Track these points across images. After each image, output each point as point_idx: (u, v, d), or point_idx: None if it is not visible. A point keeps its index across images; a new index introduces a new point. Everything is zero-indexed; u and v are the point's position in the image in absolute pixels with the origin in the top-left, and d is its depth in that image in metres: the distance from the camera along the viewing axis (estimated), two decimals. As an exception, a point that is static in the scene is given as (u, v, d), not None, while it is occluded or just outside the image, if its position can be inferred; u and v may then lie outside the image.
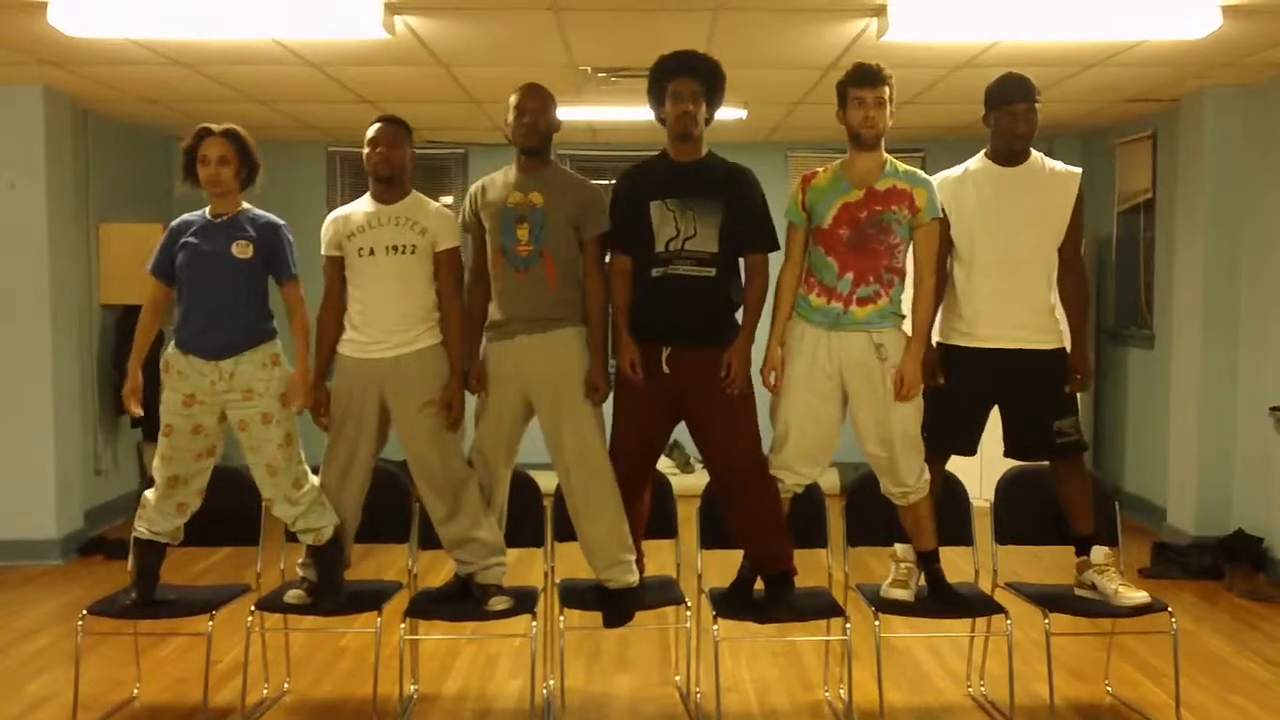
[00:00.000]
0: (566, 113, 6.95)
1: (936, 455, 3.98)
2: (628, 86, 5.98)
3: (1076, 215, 3.93)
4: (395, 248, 3.91)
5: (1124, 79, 6.16)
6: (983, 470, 4.38)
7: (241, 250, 3.91)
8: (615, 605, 3.96)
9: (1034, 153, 3.94)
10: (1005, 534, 4.20)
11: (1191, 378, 6.58)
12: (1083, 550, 4.02)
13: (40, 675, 4.57)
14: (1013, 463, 4.29)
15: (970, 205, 3.89)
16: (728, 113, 6.98)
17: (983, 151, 3.99)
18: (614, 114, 6.84)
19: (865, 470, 4.19)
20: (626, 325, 3.88)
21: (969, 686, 4.37)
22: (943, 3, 4.62)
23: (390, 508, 4.17)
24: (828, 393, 3.83)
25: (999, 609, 3.92)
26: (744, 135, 7.66)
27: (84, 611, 3.92)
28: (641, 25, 4.88)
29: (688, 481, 4.15)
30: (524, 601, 4.00)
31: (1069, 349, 3.98)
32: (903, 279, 3.86)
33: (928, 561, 3.99)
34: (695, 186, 3.82)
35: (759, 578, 3.98)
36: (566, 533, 4.09)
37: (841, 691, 4.20)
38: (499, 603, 3.94)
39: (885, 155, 3.84)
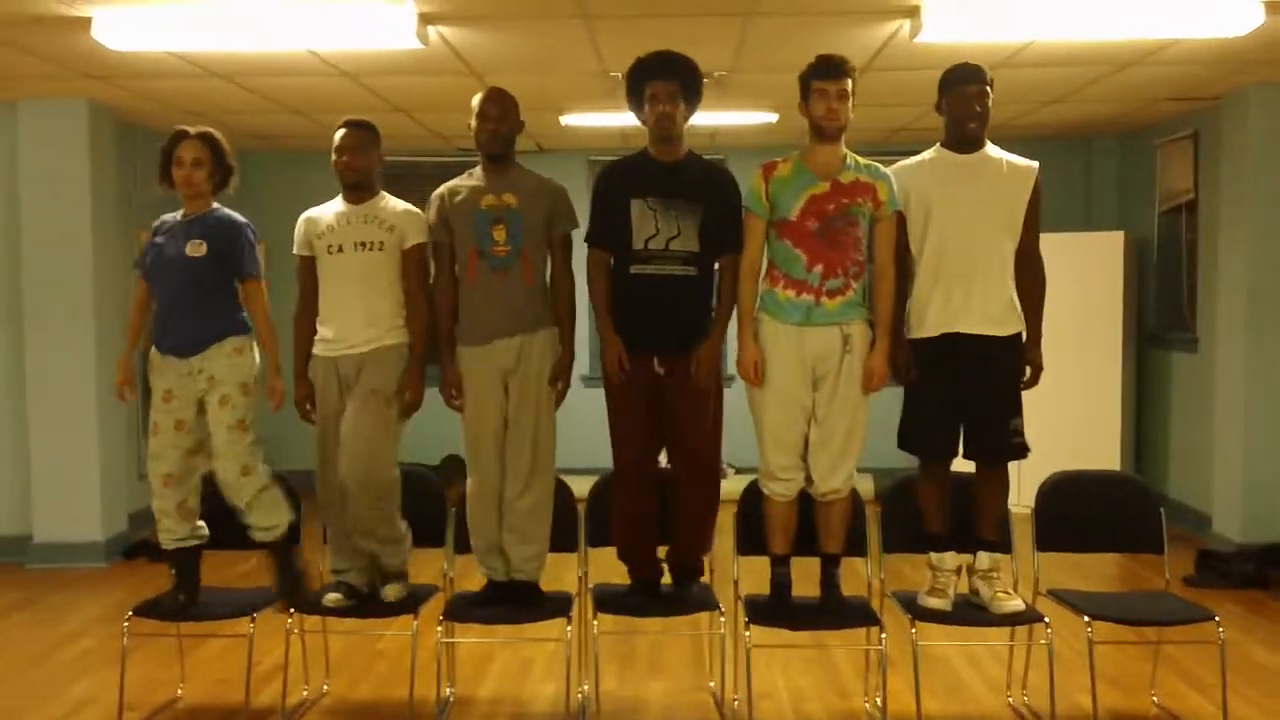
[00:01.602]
0: (597, 119, 7.04)
1: (924, 459, 3.96)
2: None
3: (1034, 207, 3.89)
4: (363, 244, 3.98)
5: (1164, 77, 6.08)
6: (1021, 476, 4.33)
7: (195, 249, 3.98)
8: (517, 594, 4.03)
9: (989, 143, 3.91)
10: (1047, 541, 4.15)
11: (1236, 381, 6.49)
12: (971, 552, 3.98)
13: (85, 676, 4.64)
14: (1056, 468, 4.26)
15: (927, 193, 3.85)
16: (758, 116, 6.98)
17: (938, 143, 3.96)
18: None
19: (900, 477, 4.17)
20: (609, 322, 3.92)
21: (1008, 696, 4.33)
22: (977, 3, 4.59)
23: (425, 511, 4.19)
24: (801, 395, 3.83)
25: (875, 620, 3.88)
26: (775, 138, 7.65)
27: (129, 613, 3.98)
28: (672, 31, 4.88)
29: (723, 486, 4.15)
30: (559, 605, 4.02)
31: (1028, 337, 3.92)
32: (864, 271, 3.86)
33: (829, 565, 3.98)
34: (677, 187, 3.87)
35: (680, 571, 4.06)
36: (600, 537, 4.11)
37: (878, 700, 4.17)
38: (393, 590, 4.02)
39: (844, 149, 3.84)
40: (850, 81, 3.76)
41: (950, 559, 3.96)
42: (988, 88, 3.83)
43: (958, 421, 3.89)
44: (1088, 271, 7.59)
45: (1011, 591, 3.90)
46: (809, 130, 3.84)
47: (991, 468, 3.95)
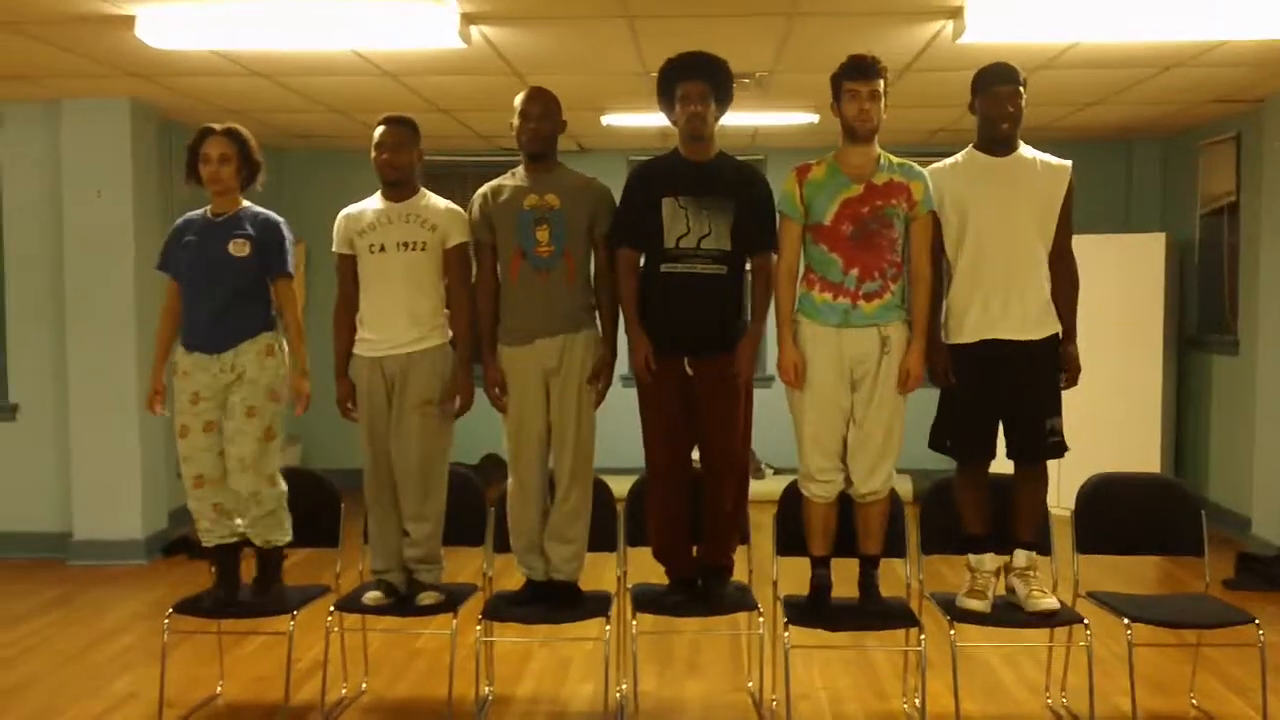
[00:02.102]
0: (638, 119, 7.06)
1: (961, 461, 3.94)
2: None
3: (1067, 208, 3.86)
4: (405, 244, 3.98)
5: (1207, 79, 6.03)
6: (1060, 478, 4.31)
7: (239, 249, 3.99)
8: (556, 594, 4.05)
9: (1022, 143, 3.88)
10: (1086, 543, 4.12)
11: (1277, 384, 6.42)
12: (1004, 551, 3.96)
13: (125, 672, 4.69)
14: (1095, 470, 4.23)
15: (961, 196, 3.83)
16: (799, 117, 6.96)
17: (970, 145, 3.93)
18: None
19: (939, 478, 4.15)
20: (637, 322, 3.92)
21: (1047, 698, 4.30)
22: (1021, 4, 4.56)
23: (465, 511, 4.21)
24: (840, 397, 3.83)
25: (914, 621, 3.86)
26: (815, 140, 7.62)
27: (170, 610, 4.02)
28: (713, 31, 4.88)
29: (762, 487, 4.15)
30: (597, 605, 4.03)
31: (1063, 336, 3.89)
32: (901, 272, 3.84)
33: (868, 566, 3.97)
34: (708, 185, 3.86)
35: (711, 571, 4.05)
36: (639, 537, 4.11)
37: (916, 701, 4.15)
38: (428, 598, 4.03)
39: (878, 149, 3.82)
40: (882, 82, 3.74)
41: (989, 560, 3.94)
42: (1020, 88, 3.80)
43: (995, 423, 3.87)
44: (1129, 273, 7.53)
45: (1046, 590, 3.88)
46: (841, 131, 3.83)
47: (1029, 468, 3.93)
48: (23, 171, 6.70)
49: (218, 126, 4.07)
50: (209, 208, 4.10)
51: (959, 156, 3.93)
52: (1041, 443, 3.85)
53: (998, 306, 3.80)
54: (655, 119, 6.85)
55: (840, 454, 3.88)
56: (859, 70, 3.73)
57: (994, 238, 3.80)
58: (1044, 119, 7.14)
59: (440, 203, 4.10)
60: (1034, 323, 3.82)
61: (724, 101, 3.94)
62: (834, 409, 3.84)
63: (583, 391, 3.98)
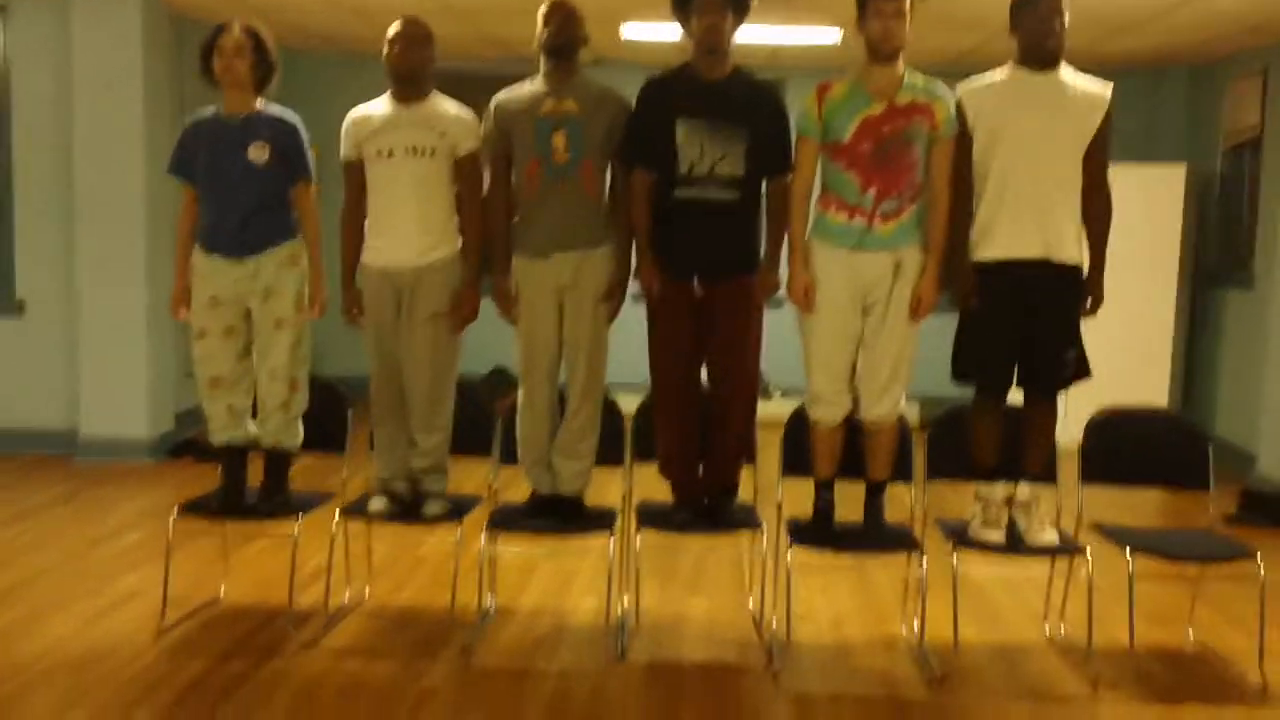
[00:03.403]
0: (659, 30, 6.90)
1: (982, 391, 3.90)
2: None
3: (1104, 131, 3.79)
4: (414, 149, 3.92)
5: (1239, 8, 5.88)
6: (1068, 410, 4.29)
7: (258, 153, 3.93)
8: (561, 508, 4.06)
9: (1065, 64, 3.79)
10: (1092, 475, 4.11)
11: (1291, 321, 6.38)
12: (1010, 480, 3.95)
13: (130, 570, 4.72)
14: (1103, 403, 4.21)
15: (1001, 114, 3.75)
16: (822, 32, 6.82)
17: (1011, 60, 3.83)
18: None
19: (949, 406, 4.13)
20: (649, 245, 3.88)
21: (1046, 626, 4.33)
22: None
23: (471, 421, 4.21)
24: (850, 321, 3.81)
25: (916, 546, 3.87)
26: (838, 59, 7.49)
27: (175, 509, 4.03)
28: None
29: (769, 409, 4.14)
30: (602, 520, 4.04)
31: (1090, 265, 3.86)
32: (920, 194, 3.79)
33: (874, 492, 3.98)
34: (723, 108, 3.80)
35: (718, 493, 4.06)
36: (646, 452, 4.12)
37: (916, 625, 4.18)
38: (434, 507, 4.06)
39: (903, 68, 3.75)
40: (907, 1, 3.66)
41: (1000, 490, 3.93)
42: (1063, 4, 3.70)
43: (1015, 353, 3.84)
44: (1147, 204, 7.43)
45: (1046, 524, 3.88)
46: (865, 50, 3.75)
47: (1043, 398, 3.90)
48: (32, 65, 6.61)
49: (233, 21, 3.97)
50: (220, 107, 4.01)
51: (998, 73, 3.83)
52: (1057, 374, 3.83)
53: (1027, 223, 3.73)
54: (675, 31, 6.72)
55: (848, 378, 3.86)
56: None
57: (1026, 155, 3.73)
58: (1075, 45, 6.96)
59: (452, 107, 4.02)
60: (1060, 245, 3.76)
61: (741, 13, 3.85)
62: (844, 333, 3.81)
63: (597, 308, 3.95)
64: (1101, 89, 3.80)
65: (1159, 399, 7.41)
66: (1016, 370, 3.87)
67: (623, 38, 7.05)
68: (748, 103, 3.84)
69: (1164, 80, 8.26)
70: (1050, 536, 3.85)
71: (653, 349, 3.99)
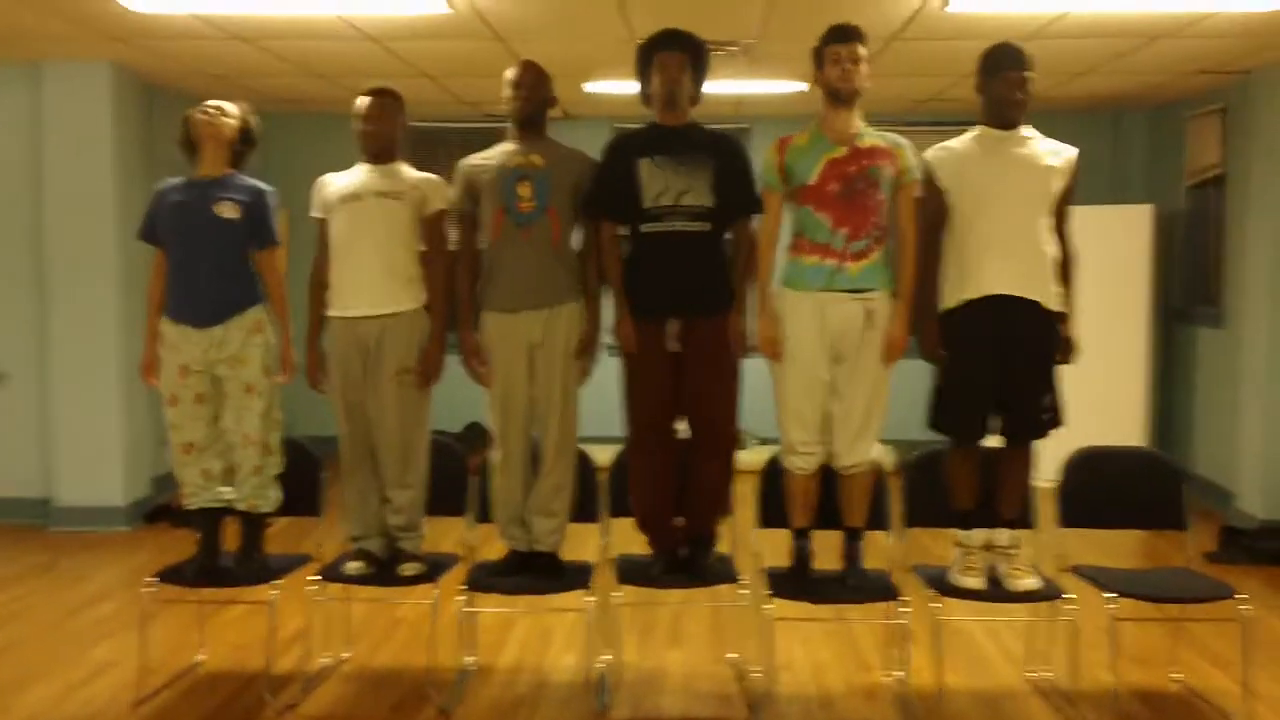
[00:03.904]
0: (623, 86, 6.99)
1: (958, 443, 3.91)
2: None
3: (1069, 191, 3.86)
4: (382, 194, 3.96)
5: (1195, 51, 6.00)
6: (1044, 451, 4.30)
7: (228, 211, 3.93)
8: (538, 565, 4.04)
9: (1029, 127, 3.87)
10: (1070, 517, 4.12)
11: (1260, 357, 6.44)
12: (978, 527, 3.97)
13: (106, 639, 4.67)
14: (1079, 443, 4.22)
15: (972, 168, 3.81)
16: (788, 85, 6.91)
17: (979, 124, 3.90)
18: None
19: (923, 451, 4.15)
20: (624, 299, 3.89)
21: (1029, 671, 4.31)
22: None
23: (447, 480, 4.19)
24: (821, 369, 3.82)
25: (896, 595, 3.85)
26: (803, 107, 7.56)
27: (150, 578, 3.99)
28: (701, -1, 4.83)
29: (745, 458, 4.13)
30: (579, 576, 4.02)
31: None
32: (887, 237, 3.83)
33: (852, 538, 3.99)
34: (684, 145, 3.86)
35: (696, 542, 4.05)
36: (621, 508, 4.10)
37: (897, 673, 4.16)
38: (410, 568, 4.02)
39: (860, 120, 3.83)
40: (862, 47, 3.76)
41: (978, 536, 3.94)
42: (1028, 73, 3.79)
43: (990, 402, 3.85)
44: (1114, 245, 7.51)
45: (1026, 568, 3.88)
46: (823, 99, 3.83)
47: (1020, 446, 3.92)
48: (3, 132, 6.61)
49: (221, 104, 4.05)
50: (193, 172, 4.04)
51: (967, 135, 3.90)
52: (1034, 421, 3.85)
53: (996, 265, 3.76)
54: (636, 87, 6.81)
55: (821, 427, 3.87)
56: (839, 34, 3.76)
57: (995, 205, 3.77)
58: (1033, 88, 7.09)
59: (419, 172, 4.09)
60: (1031, 283, 3.78)
61: (699, 77, 3.94)
62: (815, 382, 3.82)
63: (567, 365, 3.95)
64: (1067, 151, 3.86)
65: (1134, 438, 7.44)
66: (992, 418, 3.89)
67: (586, 90, 7.12)
68: (710, 142, 3.91)
69: (1124, 121, 8.39)
70: (1031, 582, 3.85)
71: (628, 399, 3.99)
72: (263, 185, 4.06)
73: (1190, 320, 7.70)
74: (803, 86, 6.91)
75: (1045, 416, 3.85)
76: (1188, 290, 7.79)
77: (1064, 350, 3.89)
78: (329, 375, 4.06)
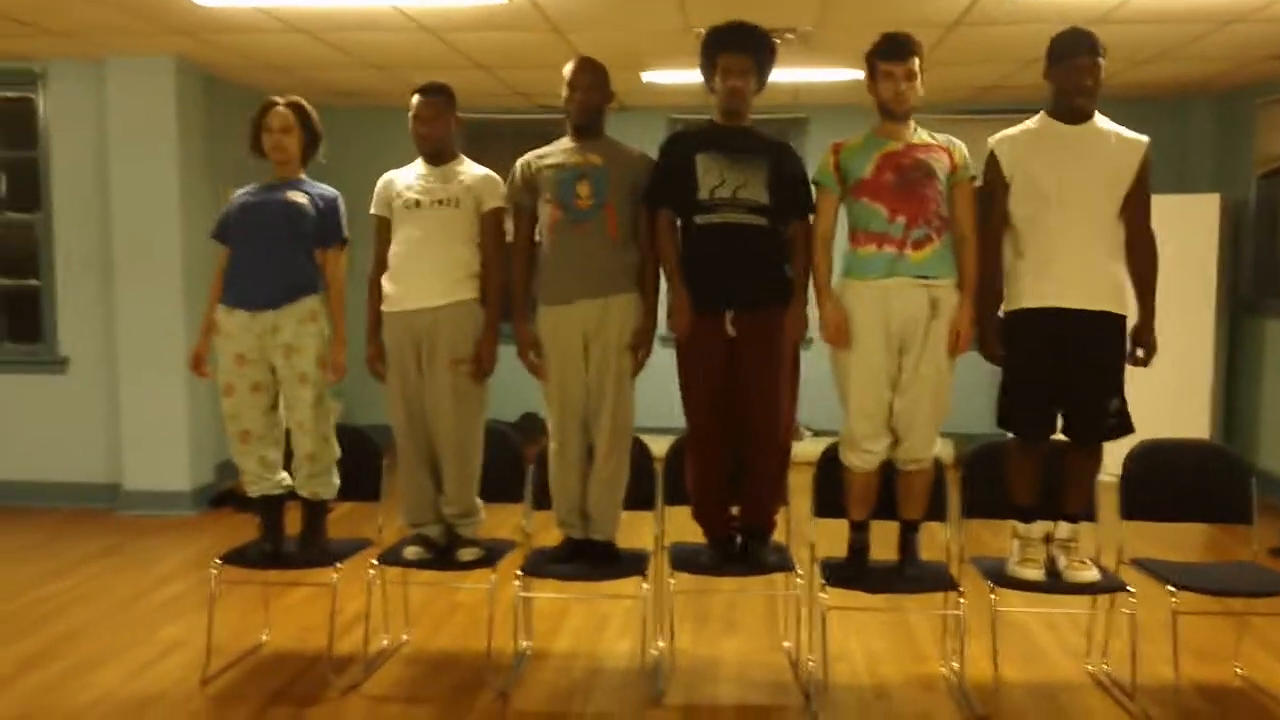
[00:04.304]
0: (680, 75, 6.99)
1: (1024, 438, 3.87)
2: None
3: (1143, 182, 3.76)
4: (440, 200, 4.00)
5: (1268, 35, 5.87)
6: (1108, 444, 4.24)
7: (296, 197, 4.04)
8: (593, 552, 4.06)
9: (1098, 114, 3.78)
10: (1132, 510, 4.07)
11: (1333, 350, 6.29)
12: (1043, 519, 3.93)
13: (174, 620, 4.78)
14: (1144, 436, 4.15)
15: (1035, 164, 3.74)
16: (845, 73, 6.86)
17: (1042, 110, 3.84)
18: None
19: (981, 443, 4.11)
20: (681, 286, 3.89)
21: (1088, 664, 4.27)
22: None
23: (504, 467, 4.24)
24: (885, 362, 3.78)
25: (953, 585, 3.83)
26: (859, 97, 7.50)
27: (217, 560, 4.08)
28: (758, -15, 4.82)
29: (800, 449, 4.13)
30: (635, 563, 4.04)
31: (1137, 320, 3.83)
32: (946, 229, 3.78)
33: (908, 531, 3.97)
34: (742, 144, 3.87)
35: (753, 531, 4.05)
36: (677, 496, 4.12)
37: (954, 665, 4.14)
38: (468, 553, 4.08)
39: (914, 125, 3.82)
40: (917, 60, 3.72)
41: (1038, 528, 3.90)
42: (1100, 59, 3.69)
43: (1057, 401, 3.80)
44: (1181, 235, 7.36)
45: (1087, 561, 3.84)
46: (877, 109, 3.81)
47: (1085, 447, 3.87)
48: (70, 129, 6.77)
49: (280, 100, 4.11)
50: (270, 178, 4.15)
51: (1031, 123, 3.84)
52: (1101, 424, 3.79)
53: (1061, 274, 3.71)
54: (696, 76, 6.80)
55: (886, 420, 3.83)
56: (893, 50, 3.71)
57: (1061, 205, 3.71)
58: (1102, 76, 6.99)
59: (477, 169, 4.12)
60: (1097, 294, 3.72)
61: (764, 76, 3.94)
62: (880, 374, 3.79)
63: (621, 355, 3.96)
64: (1137, 138, 3.78)
65: (1200, 431, 7.31)
66: (1062, 418, 3.84)
67: (644, 81, 7.12)
68: (765, 145, 3.91)
69: (1191, 108, 8.23)
70: (1091, 574, 3.81)
71: (684, 389, 3.99)
72: (334, 192, 4.18)
73: (1258, 312, 7.54)
74: (859, 74, 6.86)
75: (1111, 421, 3.78)
76: (1256, 281, 7.63)
77: (1145, 351, 3.83)
78: (388, 368, 4.10)
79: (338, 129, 8.30)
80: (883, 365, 3.78)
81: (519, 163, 4.06)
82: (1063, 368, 3.75)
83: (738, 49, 3.84)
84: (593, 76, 3.96)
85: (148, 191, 6.58)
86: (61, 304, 6.91)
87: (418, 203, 4.01)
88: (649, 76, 7.01)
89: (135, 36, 5.95)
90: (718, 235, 3.84)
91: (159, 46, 6.23)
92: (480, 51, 6.32)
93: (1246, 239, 7.71)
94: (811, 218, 3.91)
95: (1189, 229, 7.42)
